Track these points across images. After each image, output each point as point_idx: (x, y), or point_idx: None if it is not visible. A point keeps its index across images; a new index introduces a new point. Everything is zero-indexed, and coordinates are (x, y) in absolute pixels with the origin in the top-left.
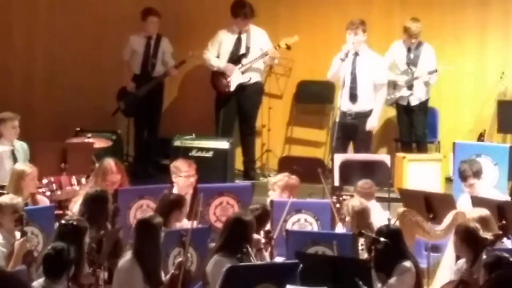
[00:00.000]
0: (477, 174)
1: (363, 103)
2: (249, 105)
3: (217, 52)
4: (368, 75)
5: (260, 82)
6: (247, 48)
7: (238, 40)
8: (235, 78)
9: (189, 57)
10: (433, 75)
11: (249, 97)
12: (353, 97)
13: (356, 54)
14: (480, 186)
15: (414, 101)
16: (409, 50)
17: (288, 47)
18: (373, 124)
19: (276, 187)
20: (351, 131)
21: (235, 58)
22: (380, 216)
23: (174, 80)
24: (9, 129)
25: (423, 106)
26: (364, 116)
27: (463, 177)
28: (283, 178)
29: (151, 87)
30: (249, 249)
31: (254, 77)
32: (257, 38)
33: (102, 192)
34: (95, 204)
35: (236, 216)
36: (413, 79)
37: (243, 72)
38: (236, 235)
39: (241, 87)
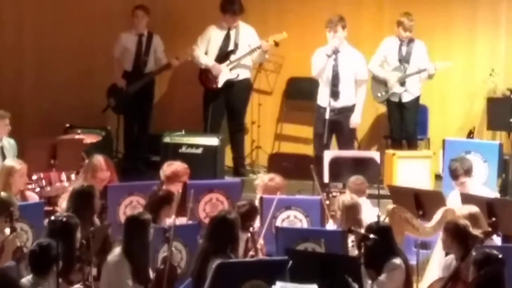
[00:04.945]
0: (468, 172)
1: (345, 99)
2: (237, 102)
3: (205, 48)
4: (349, 71)
5: (248, 79)
6: (236, 45)
7: (227, 37)
8: (223, 75)
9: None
10: (425, 72)
11: (237, 94)
12: (334, 94)
13: (337, 51)
14: (471, 184)
15: (406, 98)
16: (400, 47)
17: (276, 44)
18: (356, 120)
19: (258, 188)
20: (335, 127)
21: (224, 55)
22: (371, 213)
23: (163, 76)
24: (2, 126)
25: (415, 102)
26: (347, 111)
27: (454, 175)
28: (263, 180)
29: (143, 84)
30: (235, 247)
31: (242, 74)
32: (246, 35)
33: (88, 187)
34: (81, 200)
35: (221, 215)
36: (406, 76)
37: (231, 69)
38: (223, 234)
39: (229, 83)
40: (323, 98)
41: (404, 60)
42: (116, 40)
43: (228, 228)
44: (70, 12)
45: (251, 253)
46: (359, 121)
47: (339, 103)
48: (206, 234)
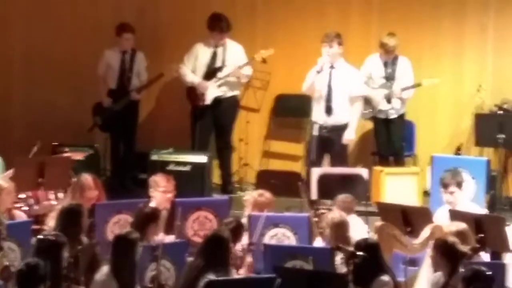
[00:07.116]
0: (459, 184)
1: (339, 116)
2: (225, 119)
3: (193, 65)
4: (343, 88)
5: (236, 96)
6: (223, 62)
7: (214, 54)
8: (211, 92)
9: (170, 69)
10: (408, 91)
11: (224, 111)
12: (328, 110)
13: (332, 67)
14: (460, 197)
15: (392, 114)
16: (385, 64)
17: (264, 60)
18: (349, 137)
19: (248, 203)
20: (327, 144)
21: (211, 72)
22: (361, 230)
23: (150, 93)
24: None
25: (401, 119)
26: (339, 129)
27: (444, 183)
28: (253, 195)
29: (128, 102)
30: (227, 265)
31: (229, 91)
32: (233, 52)
33: (76, 206)
34: (69, 218)
35: (217, 233)
36: (391, 94)
37: (219, 86)
38: (218, 252)
39: (217, 100)
40: (315, 114)
41: (390, 77)
42: (100, 58)
43: (223, 246)
44: (57, 30)
45: (241, 270)
46: (352, 137)
47: (332, 120)
48: (199, 251)
